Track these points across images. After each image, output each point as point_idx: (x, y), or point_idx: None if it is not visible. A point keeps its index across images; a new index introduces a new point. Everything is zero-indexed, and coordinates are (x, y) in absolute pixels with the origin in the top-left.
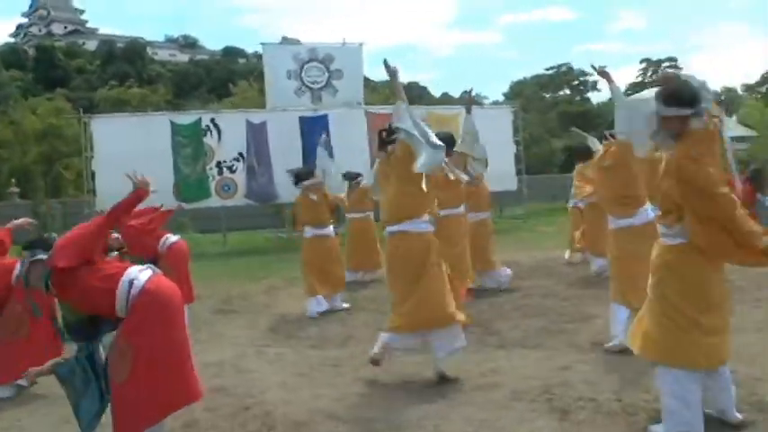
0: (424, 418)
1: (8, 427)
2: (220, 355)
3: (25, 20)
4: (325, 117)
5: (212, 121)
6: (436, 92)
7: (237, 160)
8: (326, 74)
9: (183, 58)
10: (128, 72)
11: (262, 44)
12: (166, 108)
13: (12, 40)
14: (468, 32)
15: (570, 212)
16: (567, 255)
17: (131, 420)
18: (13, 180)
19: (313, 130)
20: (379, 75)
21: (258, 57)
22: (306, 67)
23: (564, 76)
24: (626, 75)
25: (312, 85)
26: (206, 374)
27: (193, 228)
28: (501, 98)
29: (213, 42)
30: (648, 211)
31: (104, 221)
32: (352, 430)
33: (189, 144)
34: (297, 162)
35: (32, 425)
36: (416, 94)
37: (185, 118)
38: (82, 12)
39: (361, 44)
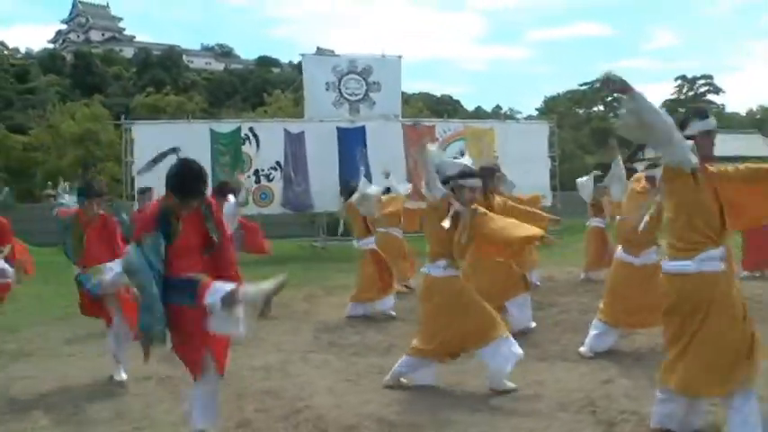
0: (472, 425)
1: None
2: (265, 359)
3: (64, 26)
4: (362, 129)
5: (251, 129)
6: (469, 105)
7: (275, 169)
8: (365, 86)
9: (218, 66)
10: (163, 80)
11: (301, 55)
12: (202, 116)
13: (51, 45)
14: (499, 47)
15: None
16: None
17: None
18: (49, 183)
19: (350, 142)
20: (412, 87)
21: (292, 67)
22: (344, 79)
23: (598, 92)
24: (660, 92)
25: (350, 97)
26: (254, 377)
27: None
28: (534, 113)
29: (248, 52)
30: None
31: None
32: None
33: (227, 152)
34: (334, 172)
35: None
36: (450, 107)
37: (225, 126)
38: (119, 19)
39: (400, 57)
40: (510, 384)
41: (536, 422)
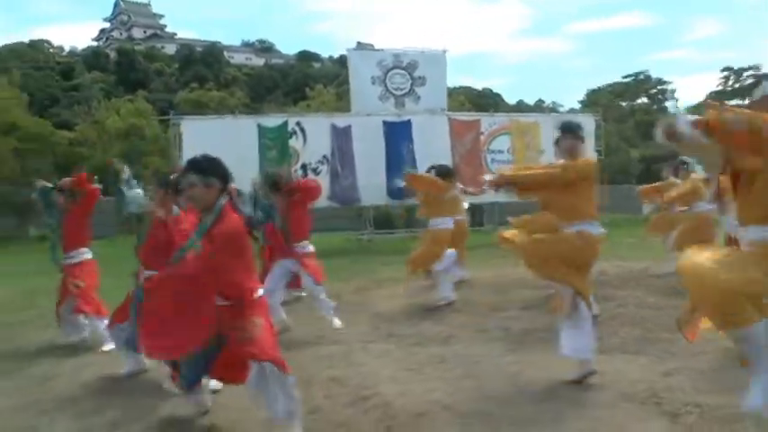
0: (540, 412)
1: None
2: (328, 349)
3: (107, 24)
4: (408, 123)
5: (298, 124)
6: (510, 99)
7: (322, 163)
8: (410, 81)
9: (259, 62)
10: (205, 76)
11: (347, 50)
12: (244, 111)
13: (95, 43)
14: (540, 40)
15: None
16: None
17: None
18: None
19: (397, 136)
20: (452, 81)
21: (333, 61)
22: (390, 74)
23: (641, 84)
24: (705, 83)
25: (396, 92)
26: (320, 366)
27: None
28: (576, 106)
29: (288, 47)
30: None
31: None
32: (472, 422)
33: (275, 146)
34: (380, 166)
35: None
36: (491, 101)
37: (272, 121)
38: (161, 17)
39: (444, 51)
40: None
41: (602, 411)
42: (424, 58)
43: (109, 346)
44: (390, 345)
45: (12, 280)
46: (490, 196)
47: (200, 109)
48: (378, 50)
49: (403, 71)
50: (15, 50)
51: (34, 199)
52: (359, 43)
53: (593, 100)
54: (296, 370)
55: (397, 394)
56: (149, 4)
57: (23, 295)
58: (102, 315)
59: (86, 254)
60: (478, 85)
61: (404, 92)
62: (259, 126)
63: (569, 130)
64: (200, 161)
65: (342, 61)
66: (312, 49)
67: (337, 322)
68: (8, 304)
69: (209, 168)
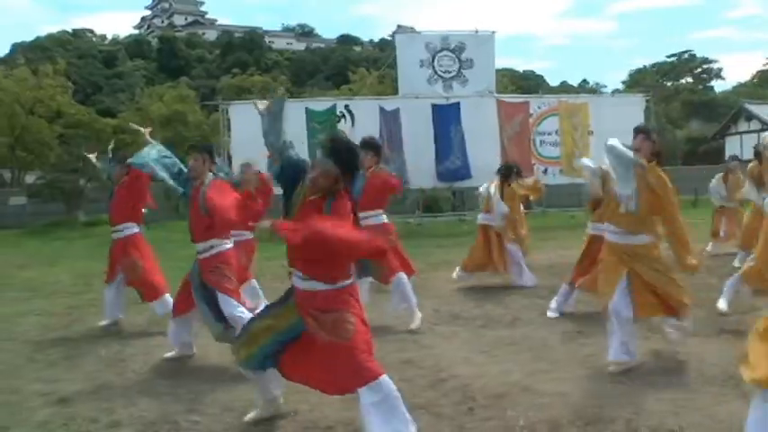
0: (623, 395)
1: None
2: (396, 332)
3: (148, 12)
4: (457, 105)
5: (346, 107)
6: (553, 80)
7: None
8: (457, 63)
9: (300, 46)
10: (246, 61)
11: (394, 33)
12: (287, 95)
13: (136, 31)
14: (581, 21)
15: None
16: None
17: None
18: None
19: (445, 118)
20: (496, 63)
21: (374, 45)
22: (437, 56)
23: (686, 63)
24: (749, 62)
25: (444, 74)
26: (390, 348)
27: None
28: (620, 86)
29: (329, 31)
30: None
31: None
32: (552, 402)
33: (323, 130)
34: (429, 149)
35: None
36: (533, 83)
37: (320, 104)
38: (201, 3)
39: (493, 32)
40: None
41: (684, 394)
42: (472, 40)
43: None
44: (457, 327)
45: (66, 264)
46: (539, 178)
47: (242, 94)
48: (425, 33)
49: (451, 53)
50: (59, 39)
51: (101, 169)
52: (399, 26)
53: (637, 80)
54: None
55: (474, 376)
56: None
57: (80, 279)
58: (160, 294)
59: (134, 228)
60: (520, 68)
61: (452, 74)
62: (307, 110)
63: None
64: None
65: (382, 45)
66: (353, 33)
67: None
68: (68, 288)
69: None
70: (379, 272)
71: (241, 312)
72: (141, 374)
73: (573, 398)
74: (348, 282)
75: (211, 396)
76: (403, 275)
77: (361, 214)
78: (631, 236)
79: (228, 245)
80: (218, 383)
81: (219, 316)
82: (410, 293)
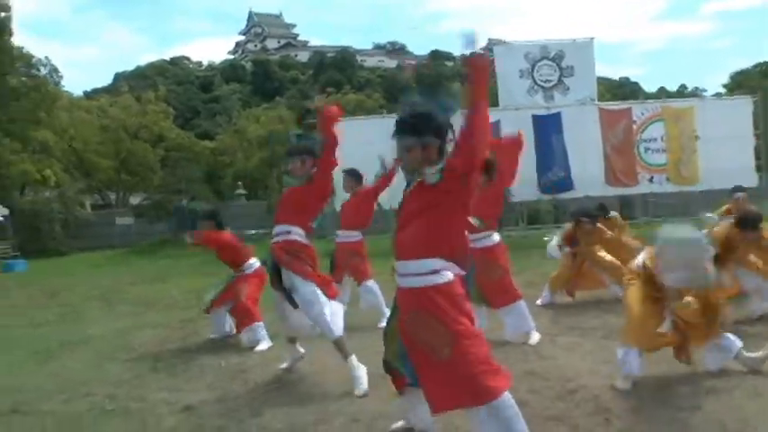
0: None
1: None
2: (515, 342)
3: (242, 37)
4: (558, 115)
5: None
6: (649, 87)
7: None
8: (558, 72)
9: (391, 63)
10: (338, 80)
11: (493, 43)
12: (382, 112)
13: (231, 57)
14: (676, 23)
15: None
16: None
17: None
18: (240, 183)
19: (546, 129)
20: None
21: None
22: (537, 65)
23: None
24: None
25: (544, 84)
26: (512, 359)
27: None
28: (721, 90)
29: (419, 47)
30: None
31: None
32: (691, 416)
33: None
34: (530, 161)
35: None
36: (629, 90)
37: None
38: (293, 26)
39: (592, 38)
40: None
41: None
42: (571, 48)
43: (264, 345)
44: (577, 338)
45: (175, 281)
46: (644, 187)
47: None
48: (524, 43)
49: (551, 62)
50: (159, 68)
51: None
52: (490, 39)
53: (740, 82)
54: None
55: (604, 387)
56: (281, 15)
57: (190, 294)
58: (255, 321)
59: (254, 265)
60: (614, 75)
61: (552, 83)
62: None
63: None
64: (407, 120)
65: None
66: (443, 49)
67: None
68: (180, 302)
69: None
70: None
71: None
72: (264, 385)
73: (712, 412)
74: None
75: (336, 406)
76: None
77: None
78: None
79: None
80: (343, 395)
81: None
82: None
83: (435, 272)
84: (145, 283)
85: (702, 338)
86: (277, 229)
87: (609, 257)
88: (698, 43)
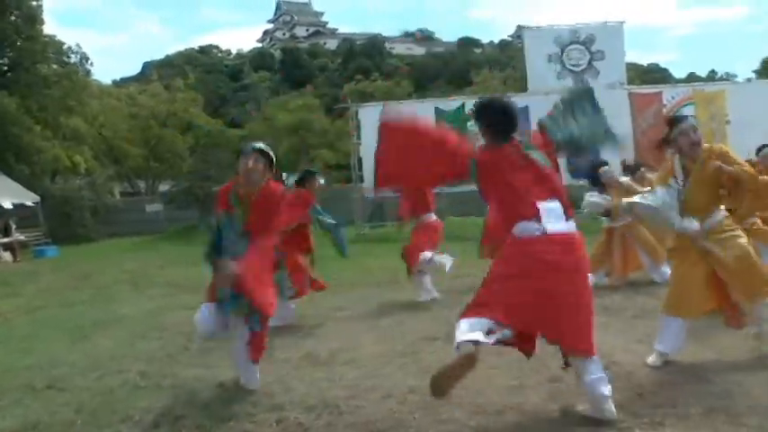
0: None
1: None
2: None
3: (270, 26)
4: None
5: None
6: (678, 73)
7: None
8: (588, 56)
9: (420, 51)
10: (367, 68)
11: (522, 28)
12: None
13: (259, 45)
14: (706, 8)
15: None
16: None
17: None
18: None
19: None
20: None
21: (493, 46)
22: (567, 50)
23: None
24: None
25: (573, 68)
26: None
27: (452, 212)
28: (751, 75)
29: (448, 34)
30: None
31: None
32: (724, 392)
33: (454, 129)
34: None
35: None
36: (659, 76)
37: (449, 104)
38: (322, 14)
39: (622, 22)
40: None
41: None
42: (602, 32)
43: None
44: (608, 317)
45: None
46: None
47: (366, 99)
48: (554, 27)
49: (581, 46)
50: (187, 56)
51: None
52: (519, 26)
53: None
54: None
55: (636, 364)
56: (310, 3)
57: None
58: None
59: None
60: (643, 61)
61: (582, 67)
62: (437, 109)
63: None
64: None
65: (502, 46)
66: (472, 35)
67: None
68: None
69: None
70: None
71: None
72: (294, 363)
73: (747, 387)
74: None
75: (369, 383)
76: None
77: None
78: None
79: None
80: (375, 371)
81: None
82: None
83: None
84: (175, 267)
85: (748, 290)
86: None
87: (651, 237)
88: (729, 28)
